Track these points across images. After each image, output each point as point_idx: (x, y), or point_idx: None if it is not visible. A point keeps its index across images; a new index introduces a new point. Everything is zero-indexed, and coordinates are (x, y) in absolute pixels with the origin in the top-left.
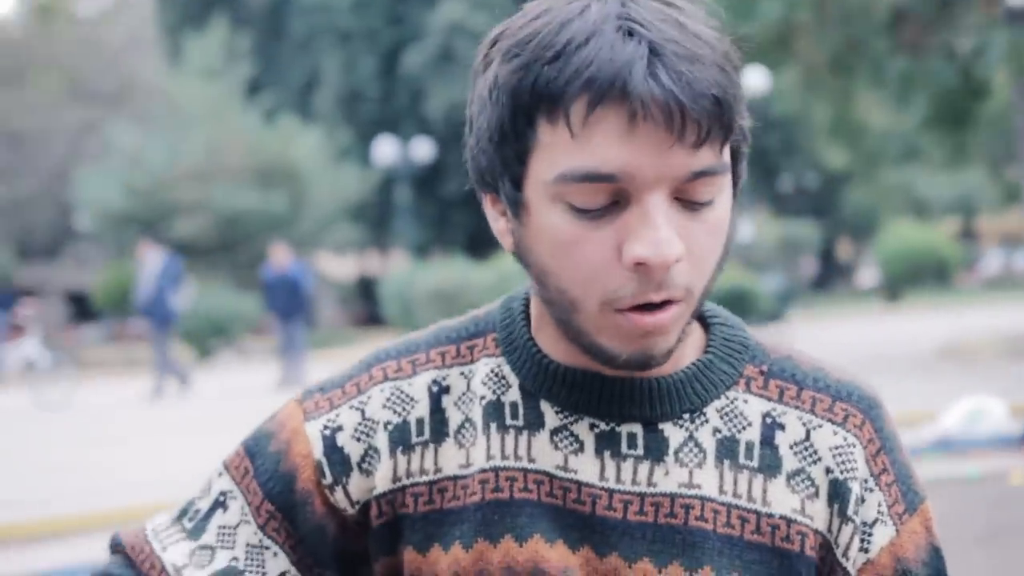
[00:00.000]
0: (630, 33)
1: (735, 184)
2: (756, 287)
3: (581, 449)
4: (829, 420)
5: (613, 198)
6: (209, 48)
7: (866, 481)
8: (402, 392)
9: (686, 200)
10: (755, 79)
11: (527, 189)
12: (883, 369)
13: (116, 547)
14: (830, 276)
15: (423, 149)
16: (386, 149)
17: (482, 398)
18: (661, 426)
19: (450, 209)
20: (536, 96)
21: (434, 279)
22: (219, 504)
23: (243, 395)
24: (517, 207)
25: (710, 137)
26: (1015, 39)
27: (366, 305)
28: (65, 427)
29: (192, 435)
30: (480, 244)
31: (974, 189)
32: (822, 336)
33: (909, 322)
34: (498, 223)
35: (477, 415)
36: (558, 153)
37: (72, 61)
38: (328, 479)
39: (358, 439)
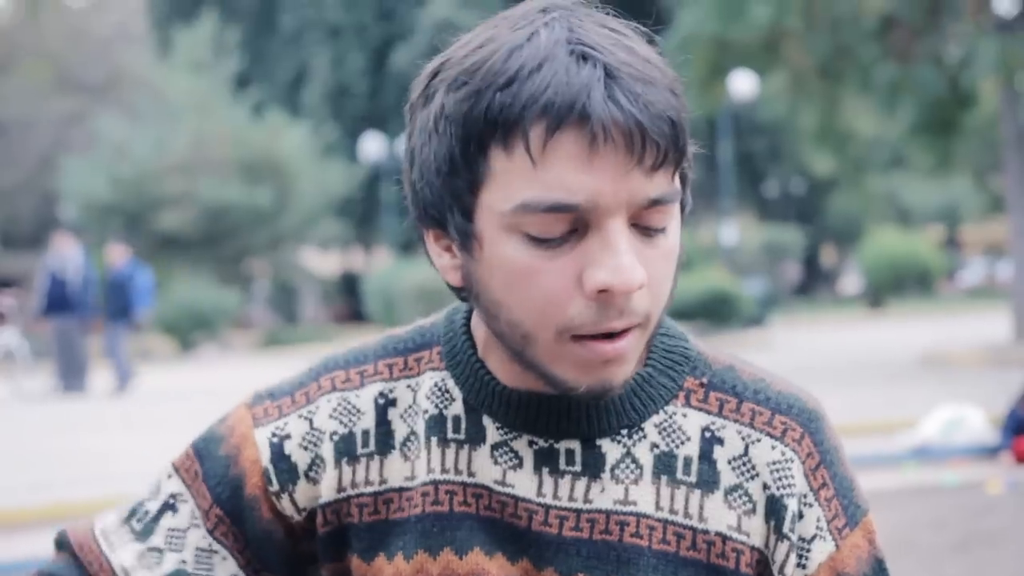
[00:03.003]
0: (584, 57)
1: (683, 211)
2: (738, 291)
3: (520, 465)
4: (768, 434)
5: (572, 226)
6: (198, 41)
7: (804, 496)
8: (349, 403)
9: (642, 227)
10: (743, 84)
11: (478, 220)
12: (864, 376)
13: (62, 545)
14: (813, 282)
15: None
16: (373, 145)
17: (425, 411)
18: (599, 442)
19: None
20: (490, 123)
21: (418, 277)
22: (168, 506)
23: (222, 390)
24: (468, 239)
25: (667, 160)
26: (1004, 48)
27: (349, 301)
28: (43, 418)
29: (168, 428)
30: None
31: (958, 198)
32: (803, 342)
33: (891, 329)
34: (441, 259)
35: (421, 428)
36: (515, 182)
37: (60, 51)
38: (275, 486)
39: (305, 448)
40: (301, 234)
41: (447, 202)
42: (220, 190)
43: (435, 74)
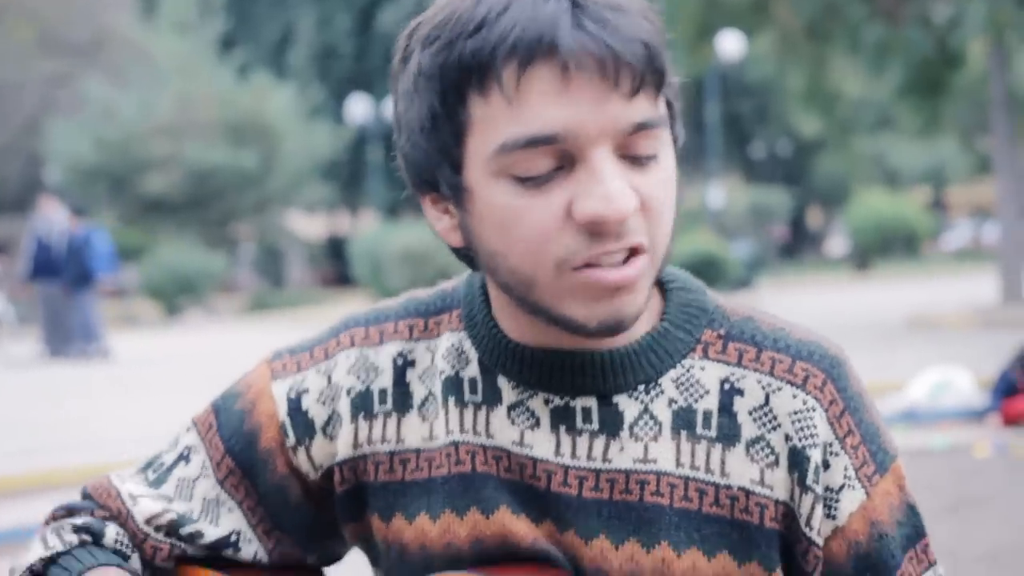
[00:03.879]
0: None
1: (675, 143)
2: (725, 253)
3: (537, 424)
4: (789, 382)
5: (557, 162)
6: (183, 2)
7: (830, 445)
8: (367, 360)
9: (631, 156)
10: (731, 44)
11: (467, 172)
12: (851, 339)
13: (84, 496)
14: (800, 244)
15: None
16: (359, 107)
17: (442, 372)
18: (616, 399)
19: None
20: (464, 70)
21: (404, 240)
22: (182, 457)
23: (211, 354)
24: (459, 193)
25: (644, 84)
26: (992, 8)
27: (335, 265)
28: (29, 384)
29: (155, 393)
30: None
31: (945, 159)
32: (790, 304)
33: (878, 291)
34: (441, 222)
35: (438, 390)
36: (495, 124)
37: (44, 11)
38: (291, 440)
39: (323, 403)
40: (287, 197)
41: (435, 160)
42: (205, 153)
43: (410, 36)
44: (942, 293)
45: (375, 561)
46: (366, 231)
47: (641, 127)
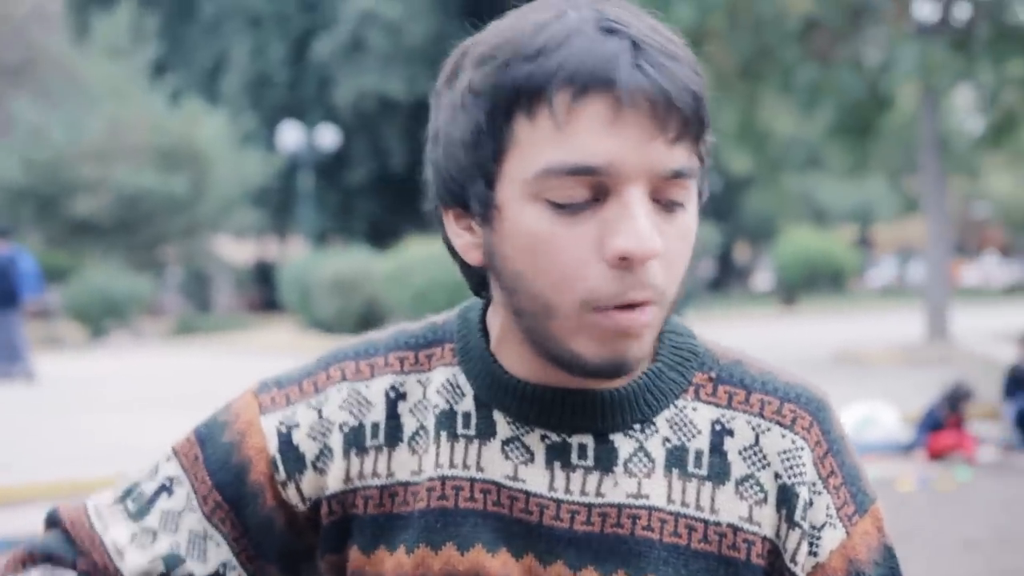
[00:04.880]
0: (611, 31)
1: (700, 198)
2: None
3: (531, 460)
4: (778, 423)
5: (593, 193)
6: (116, 26)
7: (814, 484)
8: (359, 394)
9: (662, 202)
10: None
11: (501, 190)
12: None
13: (53, 522)
14: (727, 278)
15: (328, 136)
16: (291, 135)
17: (436, 406)
18: (612, 437)
19: (353, 198)
20: (516, 91)
21: (334, 267)
22: (164, 488)
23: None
24: (489, 210)
25: (689, 132)
26: (923, 53)
27: (263, 290)
28: None
29: (80, 414)
30: (381, 234)
31: (872, 198)
32: (717, 338)
33: (804, 326)
34: (462, 239)
35: (431, 423)
36: (540, 148)
37: None
38: (281, 475)
39: (314, 438)
40: (216, 222)
41: (470, 174)
42: (135, 177)
43: (462, 55)
44: (868, 329)
45: None
46: (295, 257)
47: (678, 174)
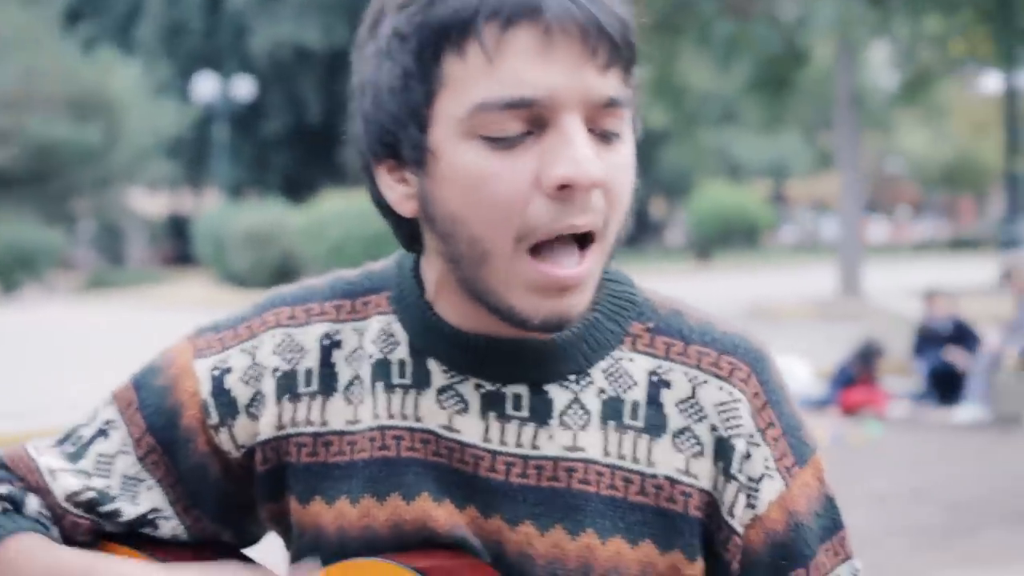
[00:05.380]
0: None
1: (634, 135)
2: None
3: (466, 409)
4: (715, 375)
5: (529, 126)
6: None
7: (752, 436)
8: (293, 340)
9: (598, 132)
10: None
11: (434, 133)
12: None
13: None
14: (642, 234)
15: (244, 87)
16: (206, 85)
17: (371, 356)
18: (547, 388)
19: (268, 150)
20: (443, 29)
21: (248, 220)
22: (101, 432)
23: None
24: (423, 155)
25: (620, 58)
26: (841, 9)
27: (177, 244)
28: None
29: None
30: (297, 187)
31: (787, 154)
32: None
33: (718, 282)
34: (395, 191)
35: (366, 373)
36: (472, 84)
37: None
38: (213, 419)
39: (247, 382)
40: (129, 174)
41: (402, 121)
42: (47, 127)
43: (383, 2)
44: (781, 284)
45: (289, 544)
46: (210, 210)
47: (612, 103)
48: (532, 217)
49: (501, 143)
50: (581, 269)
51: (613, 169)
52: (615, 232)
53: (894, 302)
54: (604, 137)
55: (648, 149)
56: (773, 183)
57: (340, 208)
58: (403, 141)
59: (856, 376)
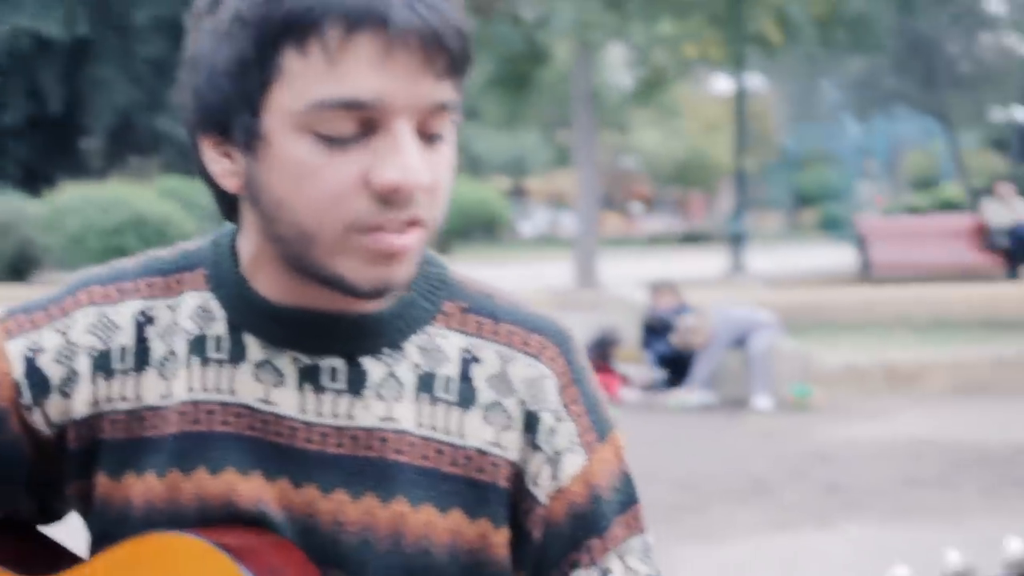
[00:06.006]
0: None
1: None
2: None
3: (283, 382)
4: (524, 352)
5: (362, 127)
6: None
7: (557, 411)
8: (107, 318)
9: (426, 133)
10: None
11: (267, 121)
12: None
13: None
14: None
15: None
16: None
17: (186, 331)
18: (362, 361)
19: (6, 140)
20: (287, 23)
21: None
22: None
23: None
24: (253, 140)
25: (455, 68)
26: (580, 9)
27: None
28: None
29: None
30: (35, 178)
31: (526, 150)
32: None
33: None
34: (220, 164)
35: (181, 348)
36: (310, 81)
37: None
38: (26, 399)
39: (59, 362)
40: None
41: (234, 104)
42: None
43: None
44: (521, 276)
45: (91, 523)
46: None
47: (442, 108)
48: (358, 212)
49: (333, 141)
50: (407, 240)
51: (437, 168)
52: (436, 222)
53: (629, 292)
54: (431, 139)
55: None
56: (512, 178)
57: (80, 199)
58: (234, 123)
59: (593, 363)
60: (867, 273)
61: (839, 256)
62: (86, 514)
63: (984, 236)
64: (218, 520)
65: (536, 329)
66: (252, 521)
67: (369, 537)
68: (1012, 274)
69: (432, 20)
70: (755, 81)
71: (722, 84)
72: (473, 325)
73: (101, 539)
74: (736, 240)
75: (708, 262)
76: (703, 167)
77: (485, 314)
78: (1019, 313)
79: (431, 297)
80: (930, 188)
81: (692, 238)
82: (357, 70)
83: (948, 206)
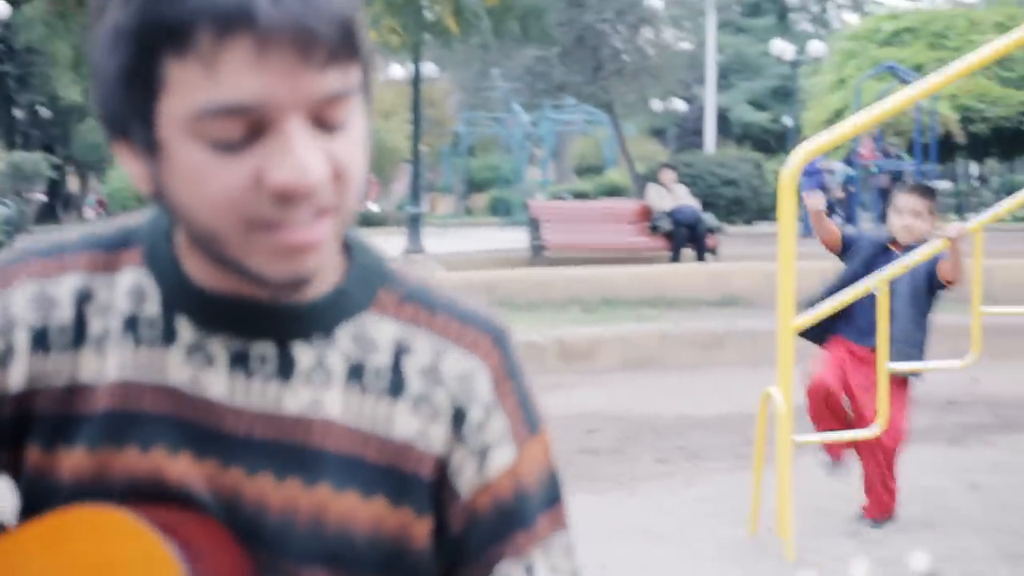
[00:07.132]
0: None
1: (369, 105)
2: None
3: (213, 366)
4: (458, 344)
5: (251, 128)
6: None
7: (488, 406)
8: (46, 293)
9: (323, 123)
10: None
11: (160, 129)
12: None
13: None
14: (58, 208)
15: None
16: None
17: (122, 310)
18: (292, 348)
19: None
20: (161, 33)
21: None
22: None
23: None
24: (151, 147)
25: (338, 59)
26: None
27: None
28: None
29: None
30: None
31: None
32: None
33: None
34: (132, 167)
35: (115, 327)
36: (191, 88)
37: None
38: None
39: None
40: None
41: (127, 113)
42: None
43: None
44: None
45: (20, 492)
46: None
47: (335, 96)
48: (257, 212)
49: (224, 146)
50: (314, 233)
51: (341, 155)
52: (350, 207)
53: None
54: (329, 127)
55: (63, 124)
56: None
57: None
58: (132, 131)
59: None
60: (539, 255)
61: (510, 238)
62: (19, 484)
63: (648, 220)
64: (146, 497)
65: (472, 322)
66: (179, 500)
67: (291, 519)
68: (675, 256)
69: (301, 14)
70: (429, 68)
71: (398, 71)
72: (409, 314)
73: (29, 509)
74: (414, 222)
75: (385, 245)
76: (381, 152)
77: (422, 304)
78: (682, 292)
79: (365, 285)
80: (594, 174)
81: (369, 222)
82: (234, 74)
83: (614, 191)
